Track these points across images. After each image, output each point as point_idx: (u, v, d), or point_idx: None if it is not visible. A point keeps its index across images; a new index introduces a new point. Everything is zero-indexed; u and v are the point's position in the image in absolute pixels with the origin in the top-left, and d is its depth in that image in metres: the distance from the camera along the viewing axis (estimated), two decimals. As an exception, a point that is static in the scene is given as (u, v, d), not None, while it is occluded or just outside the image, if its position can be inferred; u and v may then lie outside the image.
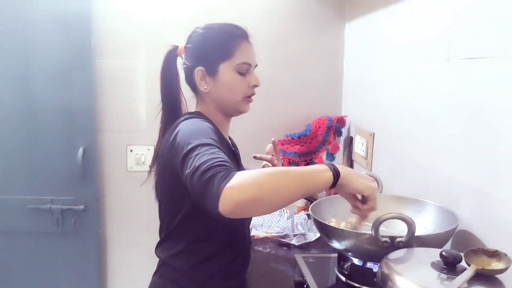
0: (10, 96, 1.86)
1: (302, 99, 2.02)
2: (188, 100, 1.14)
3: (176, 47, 1.11)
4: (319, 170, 0.84)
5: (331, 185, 0.84)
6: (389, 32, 1.52)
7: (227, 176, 0.76)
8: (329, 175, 0.83)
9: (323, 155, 1.95)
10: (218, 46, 1.04)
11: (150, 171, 1.16)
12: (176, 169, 0.91)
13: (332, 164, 0.85)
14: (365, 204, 0.91)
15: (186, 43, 1.08)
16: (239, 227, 1.09)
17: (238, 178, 0.75)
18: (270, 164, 1.24)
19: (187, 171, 0.82)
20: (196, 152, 0.83)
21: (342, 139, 2.00)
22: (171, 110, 1.11)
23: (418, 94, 1.30)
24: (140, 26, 1.90)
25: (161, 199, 1.07)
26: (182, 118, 1.02)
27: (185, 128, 0.95)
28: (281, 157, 1.91)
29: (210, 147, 0.85)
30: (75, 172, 1.89)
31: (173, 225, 1.03)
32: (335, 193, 1.76)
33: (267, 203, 0.77)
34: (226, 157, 0.83)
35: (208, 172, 0.77)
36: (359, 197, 0.93)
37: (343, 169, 0.86)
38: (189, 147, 0.85)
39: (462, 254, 0.75)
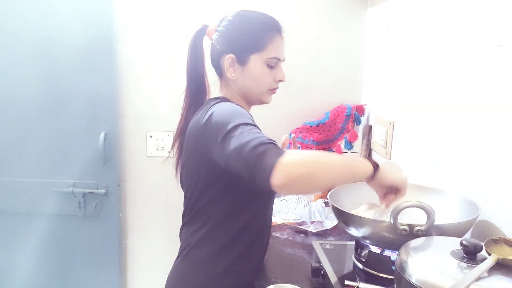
0: (34, 82, 1.89)
1: (321, 87, 2.00)
2: (212, 84, 1.15)
3: (205, 27, 1.11)
4: (362, 161, 0.90)
5: (370, 178, 0.89)
6: (411, 19, 1.50)
7: (281, 152, 0.80)
8: (370, 166, 0.89)
9: (342, 144, 1.94)
10: (252, 37, 1.04)
11: (170, 152, 1.18)
12: (208, 152, 0.93)
13: (372, 159, 0.91)
14: (397, 194, 0.95)
15: (218, 25, 1.08)
16: (262, 210, 1.10)
17: (292, 155, 0.80)
18: None
19: (232, 147, 0.84)
20: (240, 131, 0.86)
21: (361, 127, 1.98)
22: (197, 90, 1.12)
23: (440, 82, 1.27)
24: (162, 12, 1.90)
25: (187, 184, 1.08)
26: (212, 103, 1.02)
27: (220, 110, 0.96)
28: (299, 146, 1.92)
29: (252, 126, 0.89)
30: (97, 157, 1.93)
31: (197, 208, 1.05)
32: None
33: (316, 181, 0.82)
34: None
35: (261, 147, 0.81)
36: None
37: (381, 163, 0.91)
38: (230, 126, 0.88)
39: (482, 243, 0.75)
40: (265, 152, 0.80)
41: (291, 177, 0.78)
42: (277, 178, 0.77)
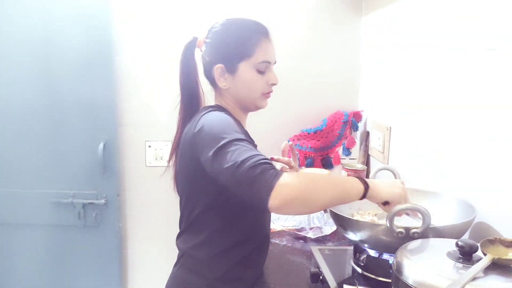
0: (33, 92, 1.90)
1: (318, 94, 2.02)
2: (207, 93, 1.16)
3: (195, 39, 1.12)
4: (353, 182, 0.90)
5: (362, 196, 0.90)
6: (405, 25, 1.51)
7: (278, 174, 0.82)
8: (361, 188, 0.90)
9: (340, 150, 1.95)
10: (238, 44, 1.04)
11: (168, 164, 1.19)
12: (200, 161, 0.93)
13: (362, 178, 0.91)
14: (389, 206, 0.95)
15: (206, 37, 1.09)
16: (259, 220, 1.11)
17: (289, 177, 0.82)
18: (287, 166, 1.25)
19: (226, 165, 0.85)
20: (232, 148, 0.86)
21: (358, 133, 1.99)
22: (190, 102, 1.13)
23: (435, 86, 1.29)
24: (160, 21, 1.92)
25: (181, 191, 1.09)
26: (204, 112, 1.03)
27: (210, 121, 0.96)
28: (297, 153, 1.92)
29: (245, 142, 0.89)
30: (96, 167, 1.93)
31: (193, 217, 1.05)
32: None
33: (311, 203, 0.84)
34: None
35: (257, 168, 0.82)
36: None
37: (371, 181, 0.92)
38: (223, 142, 0.88)
39: (478, 244, 0.75)
40: (262, 173, 0.81)
41: (288, 199, 0.80)
42: (274, 200, 0.79)
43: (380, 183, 0.93)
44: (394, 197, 0.93)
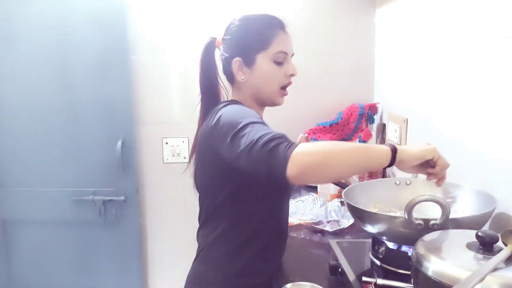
0: (51, 92, 1.95)
1: (333, 87, 2.01)
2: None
3: (214, 39, 1.13)
4: (379, 146, 0.88)
5: (390, 160, 0.87)
6: (420, 15, 1.50)
7: (292, 144, 0.81)
8: (387, 149, 0.87)
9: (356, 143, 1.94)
10: (255, 37, 1.06)
11: (190, 161, 1.20)
12: (218, 152, 0.94)
13: (390, 144, 0.89)
14: (435, 166, 0.93)
15: (224, 35, 1.10)
16: (274, 211, 1.12)
17: (304, 146, 0.80)
18: None
19: (243, 146, 0.85)
20: (249, 129, 0.87)
21: (374, 126, 1.98)
22: (210, 101, 1.14)
23: (451, 76, 1.27)
24: (176, 19, 1.93)
25: (200, 186, 1.10)
26: (221, 105, 1.04)
27: (228, 111, 0.97)
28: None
29: (261, 124, 0.89)
30: (115, 164, 1.97)
31: (211, 211, 1.07)
32: (368, 178, 1.75)
33: (332, 169, 0.81)
34: None
35: (271, 142, 0.81)
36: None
37: (399, 145, 0.89)
38: (240, 126, 0.88)
39: (498, 234, 0.75)
40: (278, 145, 0.80)
41: (305, 167, 0.78)
42: (291, 169, 0.77)
43: (408, 146, 0.90)
44: (430, 152, 0.90)
